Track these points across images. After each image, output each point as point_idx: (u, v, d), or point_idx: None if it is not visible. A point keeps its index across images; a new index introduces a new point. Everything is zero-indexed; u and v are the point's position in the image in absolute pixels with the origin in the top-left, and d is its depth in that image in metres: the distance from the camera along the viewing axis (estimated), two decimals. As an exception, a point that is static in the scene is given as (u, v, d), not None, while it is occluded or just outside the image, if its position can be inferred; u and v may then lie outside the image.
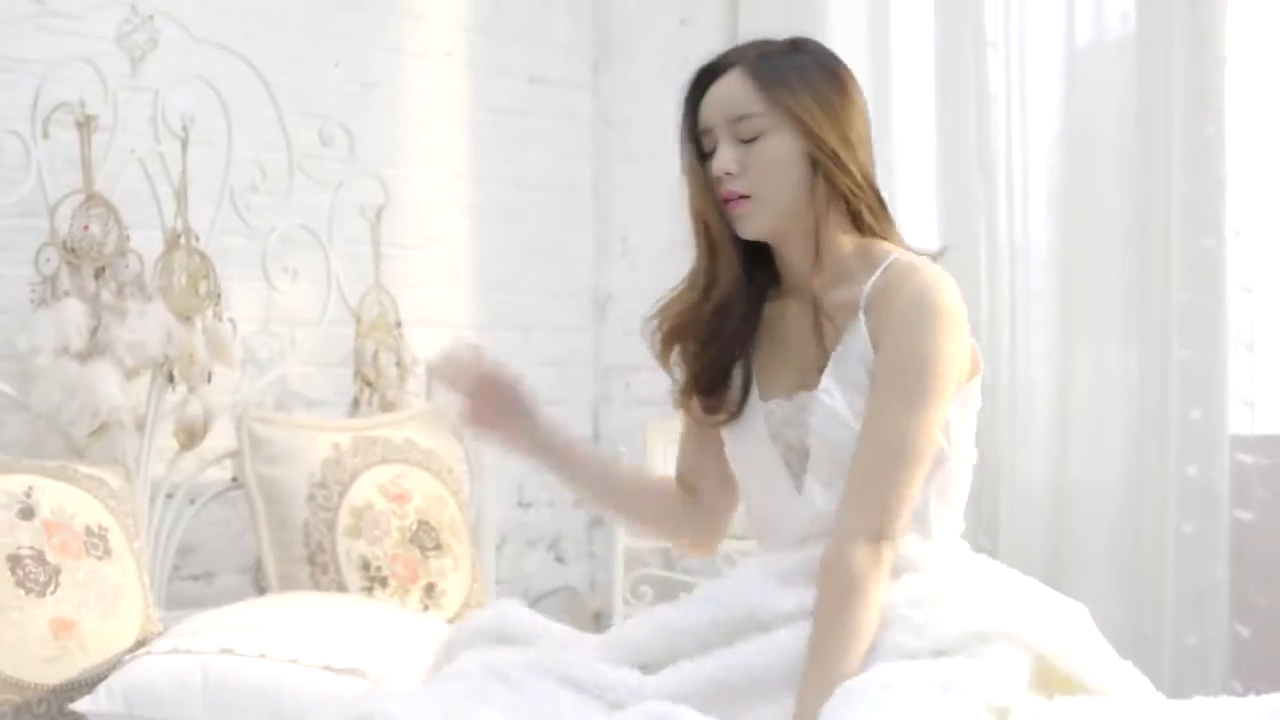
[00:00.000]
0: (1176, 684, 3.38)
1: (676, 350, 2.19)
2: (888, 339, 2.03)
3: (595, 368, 4.22)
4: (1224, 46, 3.48)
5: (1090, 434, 3.64)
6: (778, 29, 3.81)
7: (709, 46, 4.06)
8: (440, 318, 3.77)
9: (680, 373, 2.20)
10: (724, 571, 2.24)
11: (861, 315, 2.05)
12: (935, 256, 2.12)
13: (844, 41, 3.77)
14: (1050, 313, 3.65)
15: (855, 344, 2.05)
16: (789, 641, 1.98)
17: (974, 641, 1.93)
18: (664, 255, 4.17)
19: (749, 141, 2.08)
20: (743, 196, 2.08)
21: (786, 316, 2.14)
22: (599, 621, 3.94)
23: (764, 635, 2.00)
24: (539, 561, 4.05)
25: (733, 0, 4.13)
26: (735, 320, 2.15)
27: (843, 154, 2.07)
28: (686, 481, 2.26)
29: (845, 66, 2.15)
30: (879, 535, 1.97)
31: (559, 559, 4.11)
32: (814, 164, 2.08)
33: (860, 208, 2.09)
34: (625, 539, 3.83)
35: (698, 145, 2.14)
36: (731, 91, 2.10)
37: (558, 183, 4.09)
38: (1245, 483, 3.49)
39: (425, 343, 3.62)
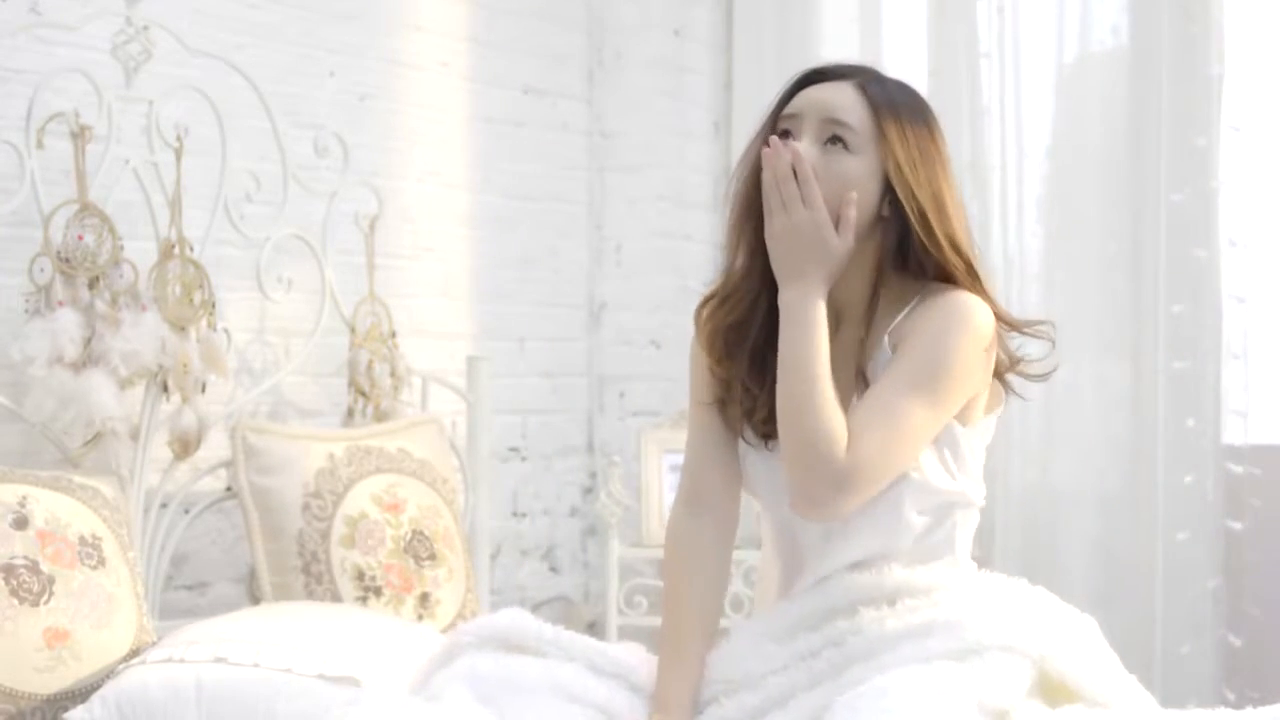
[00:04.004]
0: (1168, 693, 3.39)
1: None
2: (908, 338, 2.01)
3: (589, 377, 4.22)
4: (1215, 58, 3.49)
5: (1082, 444, 3.64)
6: (772, 39, 3.85)
7: (703, 57, 4.15)
8: (434, 328, 3.77)
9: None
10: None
11: (891, 331, 2.05)
12: (1023, 328, 2.09)
13: (837, 53, 3.78)
14: (1043, 323, 3.66)
15: (884, 358, 2.03)
16: (783, 686, 2.01)
17: (971, 653, 1.95)
18: (658, 266, 4.20)
19: (834, 146, 2.02)
20: None
21: (834, 342, 2.05)
22: (593, 631, 3.93)
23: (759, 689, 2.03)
24: (533, 571, 4.05)
25: (727, 12, 4.14)
26: (758, 335, 2.10)
27: (931, 215, 2.02)
28: (708, 500, 2.18)
29: (940, 128, 2.10)
30: (847, 472, 1.94)
31: (553, 568, 4.11)
32: (890, 204, 2.03)
33: (949, 270, 2.04)
34: (620, 549, 3.83)
35: (773, 126, 2.07)
36: (839, 96, 2.04)
37: (552, 193, 4.09)
38: (1237, 492, 3.50)
39: (419, 353, 3.63)
